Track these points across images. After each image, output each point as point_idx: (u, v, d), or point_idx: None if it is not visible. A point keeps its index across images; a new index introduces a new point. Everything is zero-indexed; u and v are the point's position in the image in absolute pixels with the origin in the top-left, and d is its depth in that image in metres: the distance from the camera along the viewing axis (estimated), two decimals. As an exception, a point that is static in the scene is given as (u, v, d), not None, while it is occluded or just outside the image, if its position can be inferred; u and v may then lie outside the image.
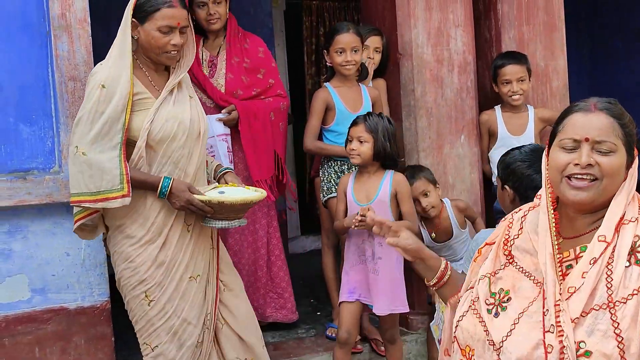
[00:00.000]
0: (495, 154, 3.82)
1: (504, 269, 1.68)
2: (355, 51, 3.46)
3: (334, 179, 3.50)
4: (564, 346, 1.48)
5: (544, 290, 1.58)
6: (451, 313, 1.80)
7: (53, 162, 3.00)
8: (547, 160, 1.67)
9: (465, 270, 1.99)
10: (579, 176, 1.58)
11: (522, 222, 1.72)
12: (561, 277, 1.57)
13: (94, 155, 2.53)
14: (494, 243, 1.76)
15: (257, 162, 3.50)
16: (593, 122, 1.59)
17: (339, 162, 3.53)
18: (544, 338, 1.52)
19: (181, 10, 2.63)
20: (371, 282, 3.16)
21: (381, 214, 3.07)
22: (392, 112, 3.73)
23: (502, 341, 1.57)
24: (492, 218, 3.65)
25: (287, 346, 3.60)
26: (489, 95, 3.97)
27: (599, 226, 1.58)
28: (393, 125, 3.22)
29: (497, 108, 3.89)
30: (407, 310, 3.25)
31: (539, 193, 1.70)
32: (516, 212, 1.78)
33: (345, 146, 3.22)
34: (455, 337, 1.71)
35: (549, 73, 4.03)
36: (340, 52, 3.45)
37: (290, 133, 5.69)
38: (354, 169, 3.32)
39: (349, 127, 3.21)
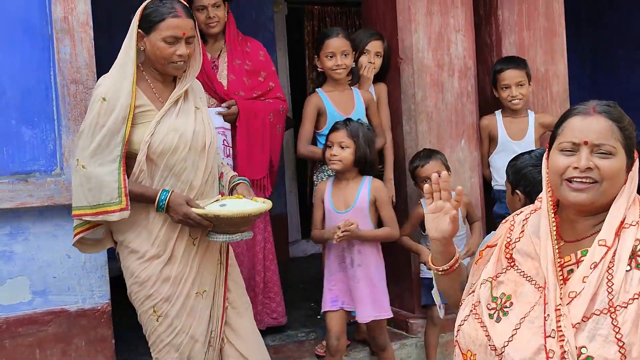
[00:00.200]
0: (496, 159, 3.84)
1: (505, 272, 1.68)
2: (345, 55, 3.48)
3: (328, 183, 3.51)
4: (565, 351, 1.48)
5: (545, 294, 1.57)
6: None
7: (55, 164, 3.00)
8: (547, 163, 1.67)
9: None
10: (579, 179, 1.58)
11: (523, 225, 1.71)
12: (562, 282, 1.57)
13: (94, 169, 2.49)
14: (495, 245, 1.75)
15: (248, 160, 3.49)
16: (592, 125, 1.59)
17: (332, 166, 3.53)
18: (545, 343, 1.52)
19: (187, 20, 2.55)
20: (352, 290, 3.16)
21: (360, 221, 3.09)
22: (393, 117, 3.74)
23: (504, 346, 1.57)
24: (491, 222, 3.66)
25: (287, 349, 3.61)
26: (489, 100, 3.98)
27: (600, 230, 1.58)
28: (371, 131, 3.23)
29: (498, 113, 3.90)
30: (391, 316, 3.26)
31: (540, 196, 1.70)
32: (517, 214, 1.78)
33: (324, 153, 3.22)
34: (456, 341, 1.71)
35: (549, 78, 4.04)
36: (331, 57, 3.47)
37: (292, 137, 5.69)
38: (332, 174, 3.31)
39: (328, 133, 3.20)
